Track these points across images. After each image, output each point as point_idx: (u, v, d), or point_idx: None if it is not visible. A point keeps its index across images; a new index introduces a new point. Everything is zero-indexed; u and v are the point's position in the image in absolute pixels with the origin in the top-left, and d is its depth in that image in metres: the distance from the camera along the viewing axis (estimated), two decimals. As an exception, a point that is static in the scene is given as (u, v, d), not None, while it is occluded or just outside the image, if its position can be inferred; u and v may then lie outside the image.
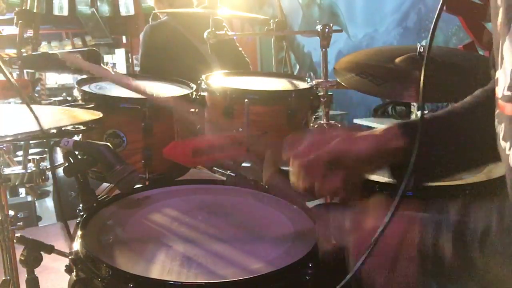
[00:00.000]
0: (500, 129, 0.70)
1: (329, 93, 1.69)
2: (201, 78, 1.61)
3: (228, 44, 2.61)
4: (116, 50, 7.15)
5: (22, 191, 3.72)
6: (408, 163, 0.68)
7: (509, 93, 0.66)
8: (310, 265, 0.82)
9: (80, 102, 1.42)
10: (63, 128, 1.05)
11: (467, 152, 0.89)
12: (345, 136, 0.89)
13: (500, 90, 0.69)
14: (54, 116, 1.15)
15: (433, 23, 0.66)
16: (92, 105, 1.38)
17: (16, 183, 1.53)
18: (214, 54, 2.19)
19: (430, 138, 0.86)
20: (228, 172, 1.56)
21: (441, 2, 0.66)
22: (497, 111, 0.71)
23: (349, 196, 0.87)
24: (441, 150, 0.89)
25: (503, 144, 0.70)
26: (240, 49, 2.80)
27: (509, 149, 0.67)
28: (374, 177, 1.40)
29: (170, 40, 2.57)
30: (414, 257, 0.70)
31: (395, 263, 0.72)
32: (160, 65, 2.51)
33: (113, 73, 1.51)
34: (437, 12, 0.66)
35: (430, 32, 0.67)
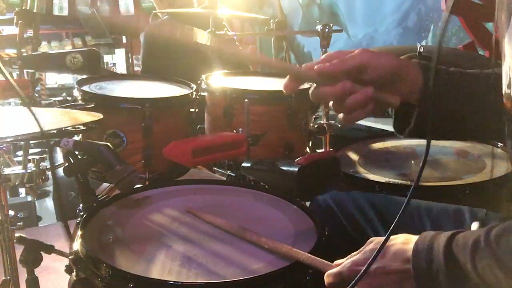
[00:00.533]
0: (506, 126, 0.70)
1: (329, 93, 1.69)
2: (201, 78, 1.61)
3: (229, 44, 2.61)
4: (116, 50, 7.14)
5: (22, 191, 3.72)
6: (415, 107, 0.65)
7: (508, 90, 0.66)
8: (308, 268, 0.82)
9: (80, 102, 1.42)
10: (63, 128, 1.05)
11: (476, 115, 0.87)
12: (364, 50, 0.85)
13: (503, 87, 0.69)
14: (54, 118, 1.15)
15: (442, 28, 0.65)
16: (92, 105, 1.38)
17: (16, 183, 1.53)
18: (215, 54, 2.19)
19: (440, 92, 0.84)
20: (228, 172, 1.56)
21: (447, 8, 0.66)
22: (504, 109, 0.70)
23: (369, 109, 0.84)
24: (453, 105, 0.87)
25: (507, 141, 0.69)
26: (240, 48, 2.80)
27: (511, 147, 0.67)
28: (374, 177, 1.41)
29: (171, 39, 2.56)
30: (409, 270, 0.70)
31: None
32: (161, 65, 2.51)
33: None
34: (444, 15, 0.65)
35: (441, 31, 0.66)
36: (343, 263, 0.76)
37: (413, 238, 0.72)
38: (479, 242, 0.63)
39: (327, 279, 0.76)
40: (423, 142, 0.76)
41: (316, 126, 1.67)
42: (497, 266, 0.61)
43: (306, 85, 1.66)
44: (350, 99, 0.82)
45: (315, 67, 0.84)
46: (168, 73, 2.48)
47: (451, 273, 0.65)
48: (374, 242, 0.75)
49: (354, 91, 0.82)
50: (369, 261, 0.67)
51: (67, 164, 1.07)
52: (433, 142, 1.14)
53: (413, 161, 1.58)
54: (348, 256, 0.77)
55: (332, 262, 0.79)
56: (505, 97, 0.67)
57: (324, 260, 0.80)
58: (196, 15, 2.29)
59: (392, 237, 0.73)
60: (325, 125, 1.68)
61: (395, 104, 0.87)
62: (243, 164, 1.22)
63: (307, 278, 0.81)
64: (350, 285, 0.68)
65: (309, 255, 0.81)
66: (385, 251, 0.71)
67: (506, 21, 0.66)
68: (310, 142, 1.65)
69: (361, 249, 0.76)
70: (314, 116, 1.69)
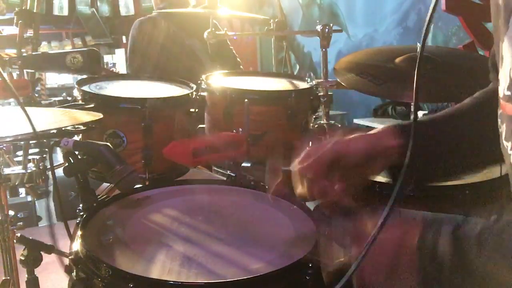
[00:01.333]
0: (502, 129, 0.70)
1: (329, 93, 1.69)
2: (201, 78, 1.61)
3: (220, 43, 2.61)
4: (116, 50, 7.15)
5: (22, 191, 3.72)
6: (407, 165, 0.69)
7: (509, 92, 0.66)
8: (310, 265, 0.82)
9: (80, 102, 1.42)
10: (63, 128, 1.05)
11: (465, 154, 0.89)
12: (338, 139, 0.89)
13: (501, 90, 0.69)
14: (54, 118, 1.15)
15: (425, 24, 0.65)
16: (92, 105, 1.38)
17: (16, 183, 1.53)
18: (205, 52, 2.19)
19: (428, 139, 0.86)
20: (228, 172, 1.56)
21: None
22: (499, 111, 0.71)
23: (351, 200, 0.87)
24: (439, 152, 0.89)
25: (505, 143, 0.70)
26: (231, 47, 2.80)
27: (511, 149, 0.67)
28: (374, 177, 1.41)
29: (158, 35, 2.56)
30: (414, 260, 0.70)
31: (396, 267, 0.72)
32: (146, 62, 2.50)
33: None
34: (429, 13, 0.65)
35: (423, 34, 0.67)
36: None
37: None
38: (485, 233, 0.65)
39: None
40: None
41: (316, 126, 1.67)
42: (501, 259, 0.62)
43: (305, 85, 1.67)
44: (321, 197, 0.88)
45: (296, 168, 0.90)
46: (155, 69, 2.48)
47: (455, 260, 0.66)
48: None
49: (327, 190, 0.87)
50: (360, 257, 0.67)
51: (67, 164, 1.07)
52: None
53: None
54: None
55: (332, 264, 0.79)
56: (505, 99, 0.68)
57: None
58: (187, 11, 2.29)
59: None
60: (325, 125, 1.68)
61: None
62: (243, 164, 1.22)
63: (307, 278, 0.81)
64: (343, 278, 0.67)
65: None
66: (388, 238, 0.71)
67: (505, 24, 0.66)
68: (310, 142, 1.65)
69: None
70: (314, 116, 1.69)
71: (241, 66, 2.87)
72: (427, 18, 0.63)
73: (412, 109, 0.68)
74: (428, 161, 0.85)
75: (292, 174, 0.91)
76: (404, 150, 0.85)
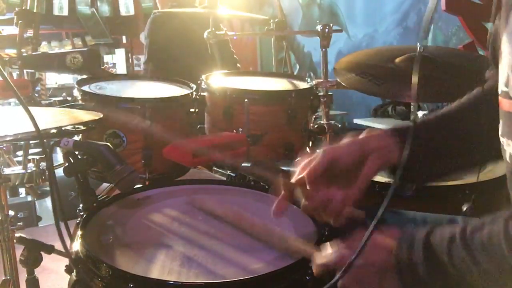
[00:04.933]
0: (500, 124, 0.70)
1: (329, 93, 1.69)
2: (201, 78, 1.61)
3: (221, 42, 2.62)
4: (116, 50, 7.14)
5: (22, 191, 3.72)
6: (403, 166, 0.69)
7: (506, 88, 0.66)
8: (310, 265, 0.82)
9: (80, 102, 1.42)
10: (63, 128, 1.05)
11: (462, 153, 0.90)
12: (326, 148, 0.89)
13: (499, 86, 0.69)
14: (54, 117, 1.15)
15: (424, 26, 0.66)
16: (92, 105, 1.38)
17: (16, 183, 1.53)
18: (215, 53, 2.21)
19: (424, 140, 0.86)
20: (228, 172, 1.56)
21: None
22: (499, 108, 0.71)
23: (354, 209, 0.87)
24: (436, 152, 0.89)
25: (502, 139, 0.70)
26: (230, 45, 2.81)
27: (508, 144, 0.68)
28: (374, 177, 1.41)
29: (174, 28, 2.59)
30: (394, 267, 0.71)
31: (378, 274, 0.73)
32: (166, 55, 2.54)
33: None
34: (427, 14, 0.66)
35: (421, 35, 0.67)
36: (331, 254, 0.77)
37: (399, 232, 0.74)
38: (455, 236, 0.66)
39: (315, 269, 0.78)
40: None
41: (316, 126, 1.67)
42: (470, 260, 0.63)
43: (305, 85, 1.67)
44: (323, 208, 0.87)
45: (293, 180, 0.90)
46: (170, 62, 2.51)
47: (429, 265, 0.68)
48: (360, 235, 0.76)
49: (331, 199, 0.86)
50: (354, 256, 0.68)
51: (67, 164, 1.07)
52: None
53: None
54: (336, 248, 0.78)
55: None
56: (502, 95, 0.68)
57: (313, 249, 0.81)
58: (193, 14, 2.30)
59: (379, 230, 0.74)
60: (325, 125, 1.68)
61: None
62: (243, 164, 1.22)
63: (307, 278, 0.81)
64: (334, 279, 0.69)
65: (298, 239, 0.81)
66: (372, 245, 0.72)
67: (504, 20, 0.66)
68: (310, 142, 1.65)
69: (347, 239, 0.78)
70: (314, 116, 1.69)
71: (238, 65, 2.88)
72: (425, 18, 0.63)
73: (412, 109, 0.67)
74: (424, 162, 0.85)
75: (294, 190, 0.91)
76: (397, 151, 0.85)
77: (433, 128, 0.91)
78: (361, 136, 0.90)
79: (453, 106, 0.93)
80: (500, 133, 0.70)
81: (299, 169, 0.90)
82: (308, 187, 0.87)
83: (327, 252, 0.78)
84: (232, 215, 0.97)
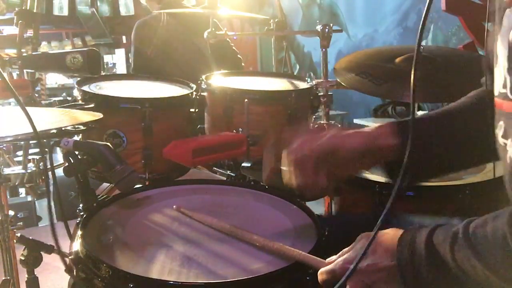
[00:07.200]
0: (499, 126, 0.70)
1: (329, 93, 1.69)
2: (201, 78, 1.61)
3: (221, 42, 2.61)
4: (116, 50, 7.14)
5: (22, 191, 3.72)
6: (401, 162, 0.69)
7: (504, 90, 0.66)
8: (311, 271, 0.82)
9: (80, 102, 1.42)
10: (63, 128, 1.05)
11: (461, 151, 0.90)
12: (336, 132, 0.89)
13: (497, 88, 0.69)
14: (54, 118, 1.14)
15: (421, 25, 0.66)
16: (92, 105, 1.38)
17: (16, 183, 1.53)
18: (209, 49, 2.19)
19: (424, 137, 0.86)
20: (228, 172, 1.56)
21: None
22: (496, 110, 0.71)
23: (336, 193, 0.88)
24: (435, 149, 0.89)
25: (502, 141, 0.70)
26: (232, 44, 2.80)
27: (510, 145, 0.67)
28: (375, 177, 1.41)
29: (162, 34, 2.55)
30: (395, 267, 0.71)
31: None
32: (151, 61, 2.50)
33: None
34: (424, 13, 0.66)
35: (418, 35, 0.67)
36: (336, 260, 0.77)
37: (401, 233, 0.74)
38: (458, 234, 0.66)
39: (320, 276, 0.77)
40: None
41: (316, 126, 1.67)
42: (474, 257, 0.63)
43: (305, 85, 1.67)
44: (309, 189, 0.89)
45: (290, 158, 0.90)
46: (159, 69, 2.47)
47: (432, 264, 0.67)
48: (364, 238, 0.76)
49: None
50: (357, 259, 0.68)
51: (67, 164, 1.07)
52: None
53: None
54: (340, 253, 0.78)
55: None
56: (500, 97, 0.68)
57: (317, 257, 0.81)
58: (194, 14, 2.29)
59: (382, 232, 0.74)
60: (325, 125, 1.68)
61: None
62: (243, 164, 1.22)
63: (307, 278, 0.81)
64: (339, 283, 0.69)
65: (302, 252, 0.82)
66: (375, 247, 0.72)
67: (498, 23, 0.67)
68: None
69: (352, 245, 0.78)
70: (314, 116, 1.69)
71: (242, 64, 2.87)
72: (422, 19, 0.64)
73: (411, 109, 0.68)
74: (423, 159, 0.85)
75: (283, 159, 0.91)
76: (399, 147, 0.85)
77: (436, 123, 0.91)
78: (369, 129, 0.90)
79: (453, 104, 0.93)
80: (500, 134, 0.70)
81: (299, 143, 0.90)
82: (302, 165, 0.87)
83: (331, 258, 0.78)
84: (229, 231, 0.96)
